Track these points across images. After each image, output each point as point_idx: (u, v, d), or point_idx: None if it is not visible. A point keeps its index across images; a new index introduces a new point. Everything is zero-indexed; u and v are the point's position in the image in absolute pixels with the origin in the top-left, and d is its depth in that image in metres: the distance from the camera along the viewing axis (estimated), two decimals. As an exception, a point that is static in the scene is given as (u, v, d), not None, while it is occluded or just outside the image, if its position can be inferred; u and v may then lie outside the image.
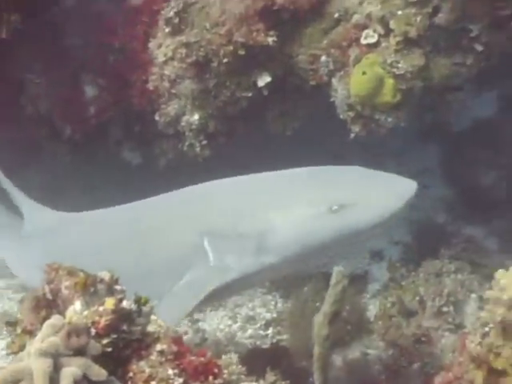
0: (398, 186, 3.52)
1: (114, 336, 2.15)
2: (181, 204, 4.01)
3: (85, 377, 1.97)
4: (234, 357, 2.49)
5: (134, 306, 2.22)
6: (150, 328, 2.23)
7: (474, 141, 5.77)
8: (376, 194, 3.49)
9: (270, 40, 4.46)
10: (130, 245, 3.97)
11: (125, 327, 2.18)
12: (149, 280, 3.75)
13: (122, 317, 2.18)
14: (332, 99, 4.52)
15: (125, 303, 2.20)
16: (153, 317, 2.26)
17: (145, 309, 2.26)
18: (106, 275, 2.26)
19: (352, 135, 4.46)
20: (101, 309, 2.15)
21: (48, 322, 2.04)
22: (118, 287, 2.25)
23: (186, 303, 3.60)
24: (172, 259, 3.80)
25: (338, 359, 4.08)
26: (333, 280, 2.89)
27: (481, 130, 5.88)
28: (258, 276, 3.73)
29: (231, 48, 4.48)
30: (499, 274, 2.55)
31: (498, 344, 2.49)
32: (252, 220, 3.61)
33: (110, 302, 2.17)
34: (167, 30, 4.79)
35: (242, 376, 2.43)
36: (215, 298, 3.81)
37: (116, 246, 4.05)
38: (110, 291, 2.24)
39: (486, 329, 2.54)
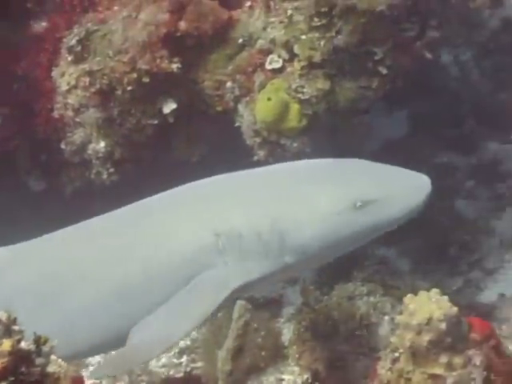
0: (415, 180, 3.38)
1: (12, 379, 2.06)
2: (188, 201, 3.71)
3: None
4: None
5: (32, 347, 2.14)
6: (50, 368, 2.16)
7: (385, 162, 5.83)
8: (397, 189, 3.39)
9: (175, 67, 4.43)
10: (133, 253, 3.60)
11: (23, 369, 2.10)
12: (158, 289, 3.50)
13: (21, 358, 2.09)
14: (238, 124, 4.52)
15: (23, 344, 2.12)
16: (53, 357, 2.18)
17: (44, 348, 2.18)
18: (2, 315, 2.17)
19: (255, 158, 4.46)
20: (-3, 351, 2.06)
21: None
22: (15, 327, 2.16)
23: (204, 306, 3.40)
24: (184, 264, 3.50)
25: (253, 386, 4.05)
26: (235, 314, 2.88)
27: (391, 149, 5.96)
28: (279, 276, 3.59)
29: (135, 75, 4.44)
30: (408, 298, 2.56)
31: (408, 369, 2.50)
32: (272, 217, 3.41)
33: (6, 344, 2.08)
34: (70, 58, 4.71)
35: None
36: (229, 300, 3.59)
37: (118, 256, 3.66)
38: (8, 332, 2.15)
39: (396, 354, 2.56)
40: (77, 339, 3.53)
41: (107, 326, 3.54)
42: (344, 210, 3.32)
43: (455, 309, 2.52)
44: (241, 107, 4.46)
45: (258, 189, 3.60)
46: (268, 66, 4.31)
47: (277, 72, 4.29)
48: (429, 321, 2.46)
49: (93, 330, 3.56)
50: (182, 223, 3.55)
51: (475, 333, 2.60)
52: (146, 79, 4.43)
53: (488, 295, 5.00)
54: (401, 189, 3.38)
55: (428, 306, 2.49)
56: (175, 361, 4.74)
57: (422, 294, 2.56)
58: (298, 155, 4.31)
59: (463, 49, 6.45)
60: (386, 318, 4.23)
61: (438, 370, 2.49)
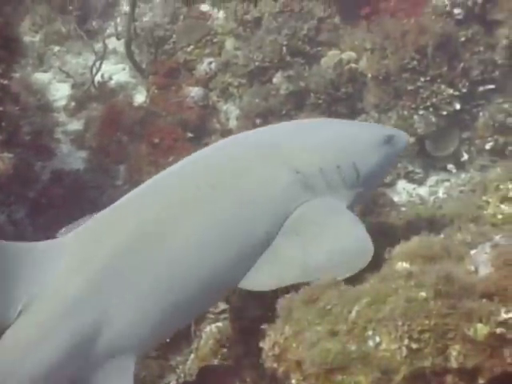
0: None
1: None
2: (264, 145, 3.92)
3: None
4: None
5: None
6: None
7: None
8: (395, 130, 4.37)
9: None
10: (227, 197, 3.67)
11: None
12: (254, 231, 3.60)
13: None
14: None
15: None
16: None
17: None
18: None
19: None
20: None
21: None
22: None
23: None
24: (269, 200, 3.68)
25: None
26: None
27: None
28: (354, 206, 3.95)
29: None
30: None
31: None
32: (342, 153, 3.88)
33: None
34: None
35: None
36: None
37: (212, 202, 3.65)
38: None
39: None
40: (177, 292, 3.52)
41: (210, 274, 3.57)
42: (384, 143, 4.05)
43: None
44: None
45: (319, 130, 4.10)
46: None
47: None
48: None
49: (196, 280, 3.55)
50: (265, 166, 3.76)
51: None
52: None
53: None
54: (398, 131, 4.34)
55: None
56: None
57: None
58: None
59: (16, 206, 6.53)
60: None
61: None
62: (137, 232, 3.55)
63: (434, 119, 6.54)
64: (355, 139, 4.04)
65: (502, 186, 4.39)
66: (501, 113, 6.46)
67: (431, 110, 6.53)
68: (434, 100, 6.50)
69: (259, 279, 3.53)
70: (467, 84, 6.55)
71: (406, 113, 6.64)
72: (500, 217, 4.28)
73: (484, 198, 4.45)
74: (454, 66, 6.50)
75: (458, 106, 6.52)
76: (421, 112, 6.56)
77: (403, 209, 5.91)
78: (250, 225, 3.63)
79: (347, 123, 4.72)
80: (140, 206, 3.68)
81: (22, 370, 3.26)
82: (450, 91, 6.51)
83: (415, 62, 6.50)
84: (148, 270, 3.46)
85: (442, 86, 6.51)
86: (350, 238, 3.54)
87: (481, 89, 6.59)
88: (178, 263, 3.51)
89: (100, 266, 3.46)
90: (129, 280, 3.44)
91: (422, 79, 6.55)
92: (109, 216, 3.72)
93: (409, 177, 6.64)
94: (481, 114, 6.61)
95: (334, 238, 3.55)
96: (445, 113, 6.50)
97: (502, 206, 4.38)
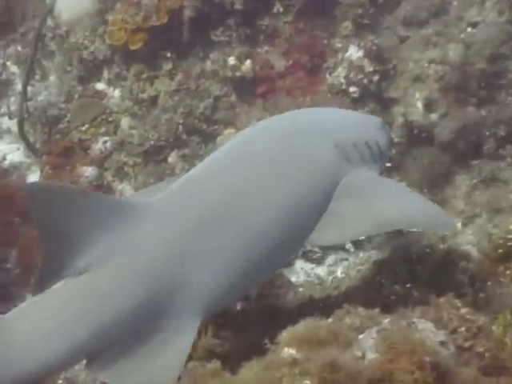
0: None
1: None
2: (309, 122, 4.44)
3: None
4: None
5: None
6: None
7: None
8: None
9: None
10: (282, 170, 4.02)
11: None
12: (307, 198, 4.01)
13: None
14: None
15: None
16: None
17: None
18: None
19: None
20: None
21: None
22: None
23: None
24: (322, 179, 4.10)
25: None
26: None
27: None
28: None
29: None
30: None
31: None
32: (367, 132, 4.50)
33: None
34: None
35: None
36: None
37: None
38: None
39: None
40: (249, 269, 3.82)
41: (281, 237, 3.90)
42: (383, 127, 4.72)
43: None
44: None
45: (341, 113, 5.04)
46: None
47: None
48: None
49: (269, 245, 3.86)
50: (311, 139, 4.17)
51: None
52: None
53: None
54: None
55: None
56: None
57: None
58: None
59: None
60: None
61: None
62: (220, 199, 3.84)
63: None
64: (370, 122, 4.71)
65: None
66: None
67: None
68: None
69: (326, 235, 3.96)
70: (364, 163, 6.45)
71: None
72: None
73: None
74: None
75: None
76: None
77: (301, 289, 5.77)
78: (311, 190, 4.03)
79: (350, 111, 5.60)
80: (222, 174, 4.01)
81: (95, 317, 3.49)
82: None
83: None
84: (228, 236, 3.75)
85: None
86: (416, 201, 4.12)
87: (378, 167, 6.49)
88: (256, 230, 3.83)
89: (184, 229, 3.72)
90: (209, 245, 3.69)
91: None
92: (193, 182, 4.03)
93: (307, 256, 6.49)
94: (380, 193, 6.47)
95: (397, 198, 4.09)
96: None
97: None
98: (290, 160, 4.07)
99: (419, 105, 6.72)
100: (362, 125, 4.60)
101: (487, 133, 6.44)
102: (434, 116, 6.59)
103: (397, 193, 4.18)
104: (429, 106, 6.68)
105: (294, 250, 4.45)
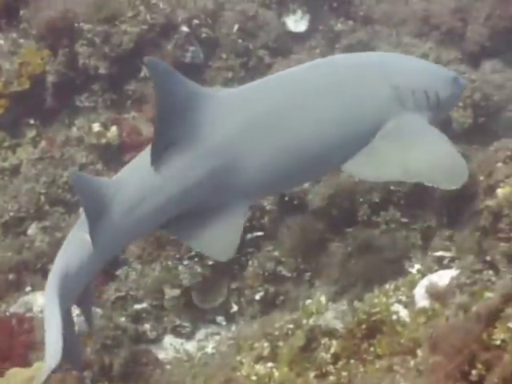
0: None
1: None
2: (360, 60, 4.99)
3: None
4: None
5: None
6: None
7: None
8: (457, 74, 5.46)
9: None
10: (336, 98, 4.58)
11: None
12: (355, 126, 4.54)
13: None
14: None
15: None
16: None
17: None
18: None
19: None
20: None
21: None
22: None
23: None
24: (368, 107, 4.58)
25: None
26: None
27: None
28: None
29: None
30: None
31: None
32: (431, 82, 4.80)
33: None
34: None
35: None
36: None
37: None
38: None
39: None
40: (292, 170, 4.52)
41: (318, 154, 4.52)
42: (453, 80, 5.04)
43: None
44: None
45: (412, 61, 5.36)
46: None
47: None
48: None
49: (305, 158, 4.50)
50: (373, 79, 4.62)
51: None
52: None
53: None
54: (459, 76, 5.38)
55: None
56: None
57: None
58: None
59: None
60: None
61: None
62: (282, 103, 4.48)
63: (199, 269, 6.07)
64: (438, 74, 5.08)
65: (256, 345, 4.00)
66: (270, 261, 6.08)
67: (196, 259, 6.07)
68: (200, 249, 6.05)
69: (361, 168, 4.45)
70: (234, 231, 6.17)
71: (170, 263, 6.12)
72: (254, 378, 3.86)
73: (238, 357, 4.04)
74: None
75: (224, 255, 6.09)
76: (185, 262, 6.08)
77: (168, 367, 5.58)
78: (359, 118, 4.51)
79: (426, 61, 5.97)
80: (285, 86, 4.65)
81: (176, 184, 4.31)
82: (217, 240, 6.10)
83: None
84: (281, 135, 4.39)
85: (208, 235, 6.09)
86: (446, 153, 4.40)
87: (249, 236, 6.21)
88: (303, 134, 4.44)
89: (248, 121, 4.38)
90: (265, 138, 4.35)
91: (187, 227, 6.10)
92: (261, 87, 4.75)
93: (176, 331, 6.11)
94: (250, 262, 6.19)
95: (431, 149, 4.42)
96: (211, 262, 6.05)
97: (257, 366, 3.97)
98: (345, 90, 4.60)
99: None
100: (428, 74, 5.00)
101: (361, 199, 6.21)
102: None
103: (432, 144, 4.49)
104: (301, 172, 6.40)
105: (325, 169, 4.96)
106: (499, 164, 4.57)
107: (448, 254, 4.94)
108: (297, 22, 7.94)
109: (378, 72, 4.73)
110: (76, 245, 4.55)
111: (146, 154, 4.37)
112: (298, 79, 4.76)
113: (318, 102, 4.54)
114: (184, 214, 4.43)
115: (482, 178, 4.51)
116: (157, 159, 4.28)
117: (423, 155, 4.38)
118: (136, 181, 4.42)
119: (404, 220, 6.13)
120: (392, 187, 6.11)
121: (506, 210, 4.31)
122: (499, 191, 4.41)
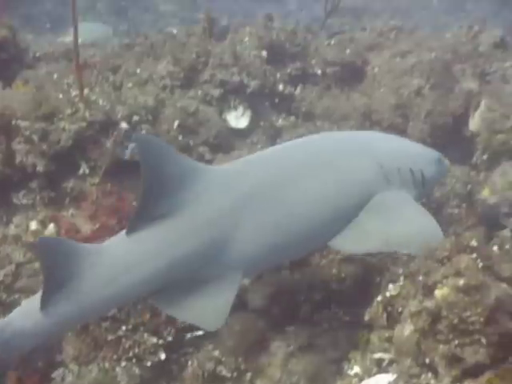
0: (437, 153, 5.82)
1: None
2: (347, 138, 5.28)
3: None
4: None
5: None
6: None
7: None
8: (442, 155, 5.72)
9: None
10: (327, 176, 4.72)
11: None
12: (346, 203, 4.75)
13: None
14: None
15: None
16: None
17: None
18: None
19: None
20: None
21: None
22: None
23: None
24: (362, 187, 4.78)
25: None
26: None
27: None
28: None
29: None
30: None
31: None
32: (416, 161, 4.98)
33: None
34: None
35: None
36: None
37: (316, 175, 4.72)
38: None
39: None
40: (282, 246, 4.66)
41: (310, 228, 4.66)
42: (437, 161, 5.33)
43: None
44: None
45: (397, 141, 5.48)
46: None
47: None
48: None
49: (300, 230, 4.62)
50: (360, 157, 4.79)
51: None
52: None
53: None
54: (443, 157, 5.58)
55: None
56: None
57: None
58: None
59: None
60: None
61: None
62: (271, 182, 4.58)
63: (137, 371, 5.88)
64: (423, 153, 5.36)
65: None
66: (210, 361, 5.93)
67: (134, 360, 5.88)
68: (137, 350, 5.87)
69: (345, 242, 4.61)
70: (173, 331, 6.02)
71: (107, 365, 5.92)
72: None
73: None
74: (157, 313, 5.97)
75: (163, 356, 5.93)
76: (123, 363, 5.89)
77: None
78: (344, 196, 4.69)
79: (412, 141, 5.89)
80: (277, 161, 4.81)
81: (164, 256, 4.31)
82: (154, 340, 5.94)
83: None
84: (273, 210, 4.49)
85: (145, 335, 5.94)
86: (424, 224, 4.63)
87: (188, 336, 6.08)
88: (295, 209, 4.56)
89: (240, 196, 4.47)
90: (257, 213, 4.44)
91: (124, 328, 5.94)
92: (254, 162, 4.88)
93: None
94: (189, 362, 6.04)
95: (411, 221, 4.64)
96: (149, 363, 5.87)
97: None
98: (335, 166, 4.76)
99: (232, 270, 6.39)
100: (414, 154, 5.26)
101: (302, 297, 6.14)
102: (245, 280, 6.26)
103: (412, 217, 4.73)
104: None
105: (318, 243, 4.93)
106: (437, 264, 4.53)
107: (387, 356, 4.83)
108: (238, 119, 7.95)
109: (366, 150, 4.95)
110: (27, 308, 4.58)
111: (132, 226, 4.40)
112: (290, 155, 4.96)
113: (309, 178, 4.70)
114: (170, 286, 4.46)
115: (420, 277, 4.45)
116: (140, 231, 4.35)
117: (402, 228, 4.62)
118: (122, 250, 4.43)
119: (346, 318, 6.03)
120: (333, 286, 6.04)
121: (444, 312, 4.23)
122: (437, 292, 4.35)
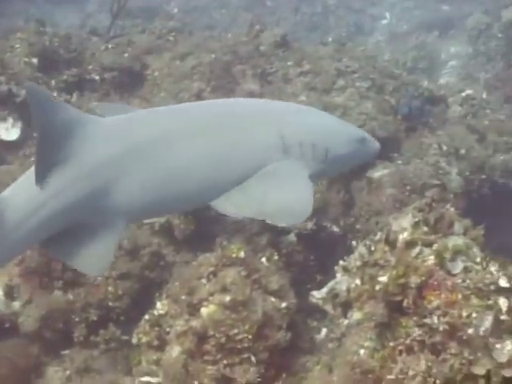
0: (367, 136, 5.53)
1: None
2: (257, 106, 5.28)
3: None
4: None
5: None
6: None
7: None
8: (370, 137, 5.46)
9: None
10: (210, 139, 4.65)
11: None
12: (235, 169, 4.67)
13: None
14: None
15: None
16: None
17: None
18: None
19: None
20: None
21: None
22: None
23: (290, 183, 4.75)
24: (250, 149, 4.76)
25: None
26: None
27: None
28: (316, 178, 5.00)
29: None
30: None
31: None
32: (322, 138, 5.00)
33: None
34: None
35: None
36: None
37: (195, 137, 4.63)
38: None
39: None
40: (167, 199, 4.64)
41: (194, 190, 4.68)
42: (356, 141, 5.12)
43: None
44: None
45: (311, 114, 5.30)
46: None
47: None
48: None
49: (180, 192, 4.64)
50: (261, 124, 4.82)
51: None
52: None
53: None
54: (372, 139, 5.35)
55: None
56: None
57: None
58: None
59: None
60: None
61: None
62: (168, 133, 4.57)
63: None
64: (335, 131, 5.15)
65: None
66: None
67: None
68: None
69: (226, 204, 4.56)
70: None
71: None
72: None
73: None
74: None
75: None
76: None
77: None
78: (235, 160, 4.64)
79: (335, 118, 5.61)
80: (175, 116, 4.82)
81: (48, 207, 4.38)
82: None
83: None
84: (160, 164, 4.49)
85: None
86: (299, 198, 4.61)
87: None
88: (184, 166, 4.54)
89: (130, 146, 4.48)
90: (146, 165, 4.46)
91: None
92: (147, 114, 4.88)
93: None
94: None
95: (287, 194, 4.61)
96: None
97: None
98: (229, 131, 4.71)
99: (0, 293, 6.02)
100: (324, 131, 5.11)
101: (77, 318, 5.85)
102: (16, 304, 5.89)
103: (292, 189, 4.68)
104: (10, 293, 6.03)
105: (201, 202, 4.82)
106: (202, 280, 4.38)
107: (155, 380, 4.64)
108: (8, 130, 7.48)
109: (272, 119, 4.93)
110: None
111: (31, 174, 4.43)
112: (189, 114, 4.95)
113: (201, 136, 4.68)
114: (64, 233, 4.51)
115: (183, 297, 4.28)
116: (41, 178, 4.36)
117: (278, 199, 4.64)
118: (23, 198, 4.47)
119: (125, 338, 5.82)
120: (110, 303, 5.81)
121: (211, 331, 4.09)
122: (203, 310, 4.20)
